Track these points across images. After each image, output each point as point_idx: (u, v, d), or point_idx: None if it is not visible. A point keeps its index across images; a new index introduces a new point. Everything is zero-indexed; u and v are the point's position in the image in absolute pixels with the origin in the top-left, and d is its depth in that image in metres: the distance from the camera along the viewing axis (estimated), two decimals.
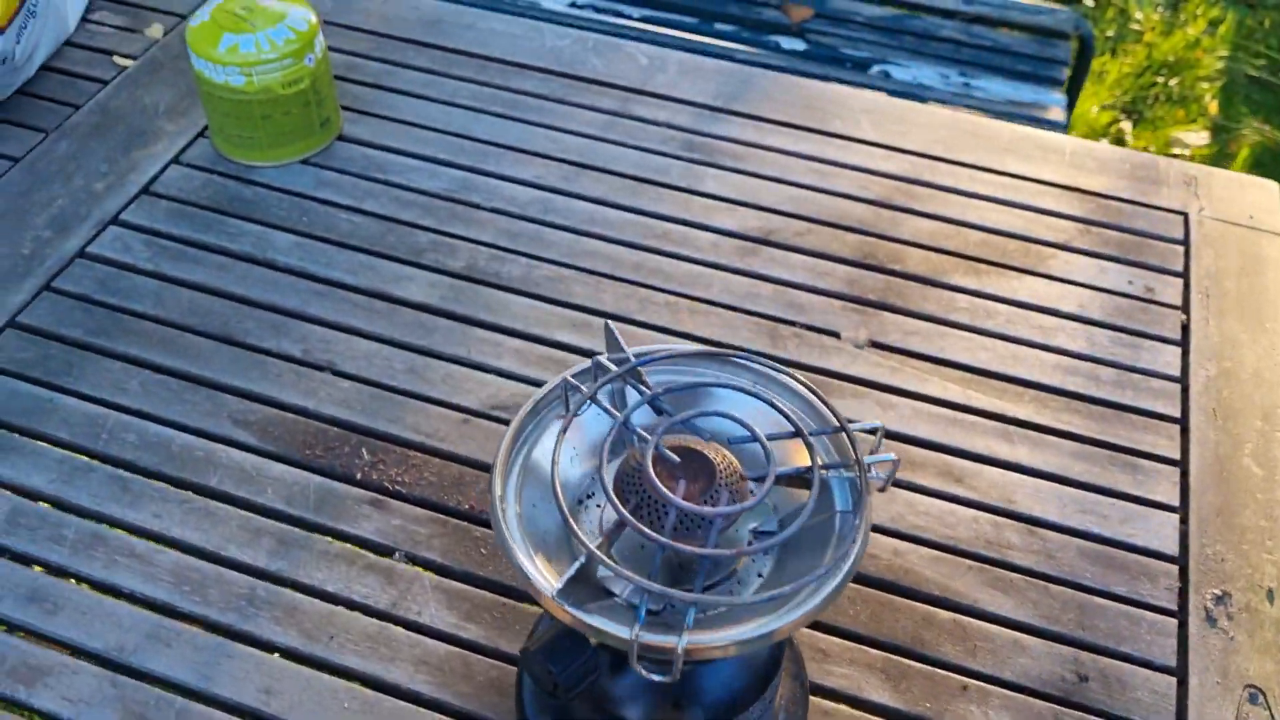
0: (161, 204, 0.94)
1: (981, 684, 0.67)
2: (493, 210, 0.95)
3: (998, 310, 0.89)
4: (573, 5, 1.81)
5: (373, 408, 0.80)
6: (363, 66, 1.08)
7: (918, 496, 0.76)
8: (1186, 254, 0.94)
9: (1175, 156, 1.94)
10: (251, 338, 0.84)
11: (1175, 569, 0.73)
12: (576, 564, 0.43)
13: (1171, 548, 0.74)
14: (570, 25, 1.19)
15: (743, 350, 0.60)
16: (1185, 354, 0.86)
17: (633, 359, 0.50)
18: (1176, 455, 0.79)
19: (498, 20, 1.14)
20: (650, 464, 0.45)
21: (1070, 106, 1.78)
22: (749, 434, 0.47)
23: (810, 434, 0.47)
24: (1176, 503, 0.77)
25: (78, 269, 0.89)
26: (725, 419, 0.48)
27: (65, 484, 0.75)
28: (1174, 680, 0.68)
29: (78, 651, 0.67)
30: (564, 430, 0.46)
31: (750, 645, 0.43)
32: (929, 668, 0.68)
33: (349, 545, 0.72)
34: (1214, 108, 2.21)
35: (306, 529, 0.73)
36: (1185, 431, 0.81)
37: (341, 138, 1.00)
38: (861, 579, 0.72)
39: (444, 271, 0.90)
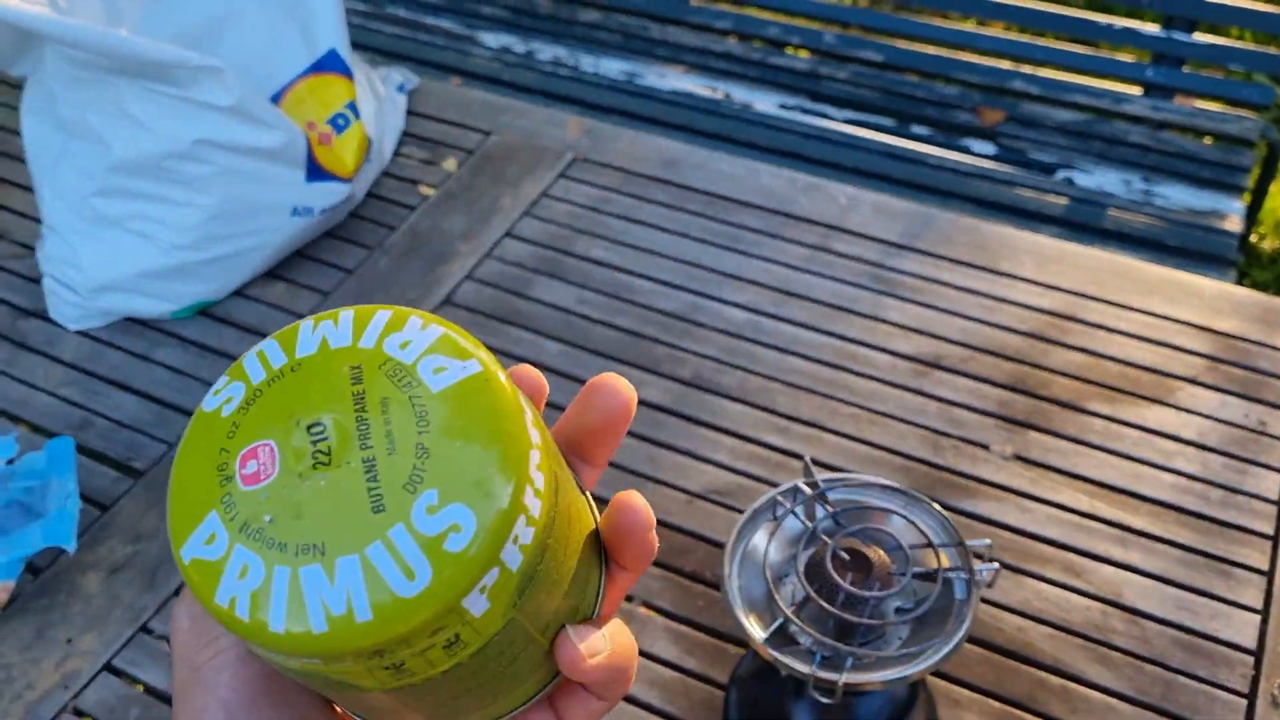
0: (459, 313, 1.23)
1: None
2: (714, 329, 1.20)
3: (1127, 434, 1.08)
4: (782, 107, 2.05)
5: (620, 487, 1.06)
6: (612, 199, 1.35)
7: (1043, 585, 0.96)
8: None
9: None
10: None
11: (1251, 659, 0.91)
12: (778, 622, 0.67)
13: (1250, 642, 0.92)
14: (779, 129, 1.43)
15: (901, 482, 0.82)
16: None
17: (821, 486, 0.73)
18: (1266, 566, 0.97)
19: (724, 161, 1.39)
20: (829, 560, 0.68)
21: (1251, 215, 1.89)
22: (896, 544, 0.69)
23: (939, 545, 0.70)
24: (1260, 606, 0.94)
25: None
26: (883, 532, 0.70)
27: None
28: None
29: None
30: (773, 534, 0.70)
31: (888, 684, 0.65)
32: (1032, 718, 0.88)
33: None
34: None
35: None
36: (1276, 546, 0.98)
37: (594, 261, 1.28)
38: (991, 646, 0.92)
39: (675, 379, 1.15)
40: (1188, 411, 1.10)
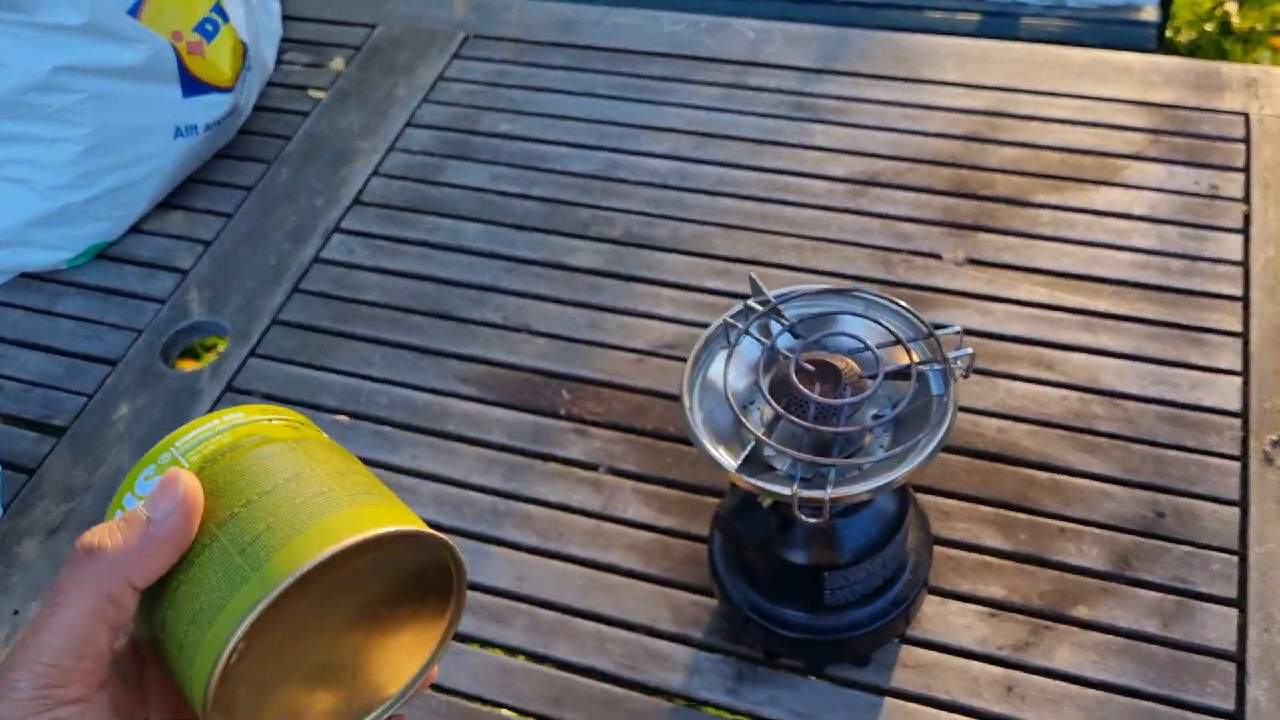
0: (370, 210, 1.16)
1: (1076, 526, 0.84)
2: (638, 183, 1.13)
3: (1077, 220, 1.03)
4: None
5: (565, 357, 1.00)
6: (511, 71, 1.27)
7: (1015, 383, 0.93)
8: (1248, 151, 1.06)
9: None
10: (461, 311, 1.05)
11: (1238, 421, 0.88)
12: (749, 447, 0.62)
13: (1235, 404, 0.89)
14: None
15: (856, 283, 0.77)
16: (1247, 240, 1.00)
17: (773, 300, 0.68)
18: (1239, 328, 0.94)
19: (620, 14, 1.31)
20: (794, 373, 0.63)
21: (1165, 5, 1.84)
22: (863, 345, 0.64)
23: (908, 340, 0.65)
24: (1239, 367, 0.91)
25: (315, 272, 1.11)
26: (846, 337, 0.65)
27: (340, 440, 0.97)
28: (1237, 510, 0.83)
29: None
30: (729, 357, 0.65)
31: (875, 492, 0.61)
32: (1032, 517, 0.85)
33: (563, 465, 0.93)
34: None
35: (528, 456, 0.94)
36: (1246, 307, 0.95)
37: (501, 136, 1.20)
38: (973, 452, 0.88)
39: (606, 240, 1.09)
40: (1136, 188, 1.05)
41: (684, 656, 0.81)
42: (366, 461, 0.97)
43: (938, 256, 1.02)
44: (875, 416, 0.66)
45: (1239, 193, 1.03)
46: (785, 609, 0.75)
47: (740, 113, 1.18)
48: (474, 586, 0.87)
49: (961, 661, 0.78)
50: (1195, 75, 1.14)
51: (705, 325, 0.99)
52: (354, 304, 1.08)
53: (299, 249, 1.13)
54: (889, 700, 0.77)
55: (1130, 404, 0.90)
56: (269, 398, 1.01)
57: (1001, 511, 0.85)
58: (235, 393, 1.01)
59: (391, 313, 1.06)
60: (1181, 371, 0.92)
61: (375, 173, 1.19)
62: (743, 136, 1.16)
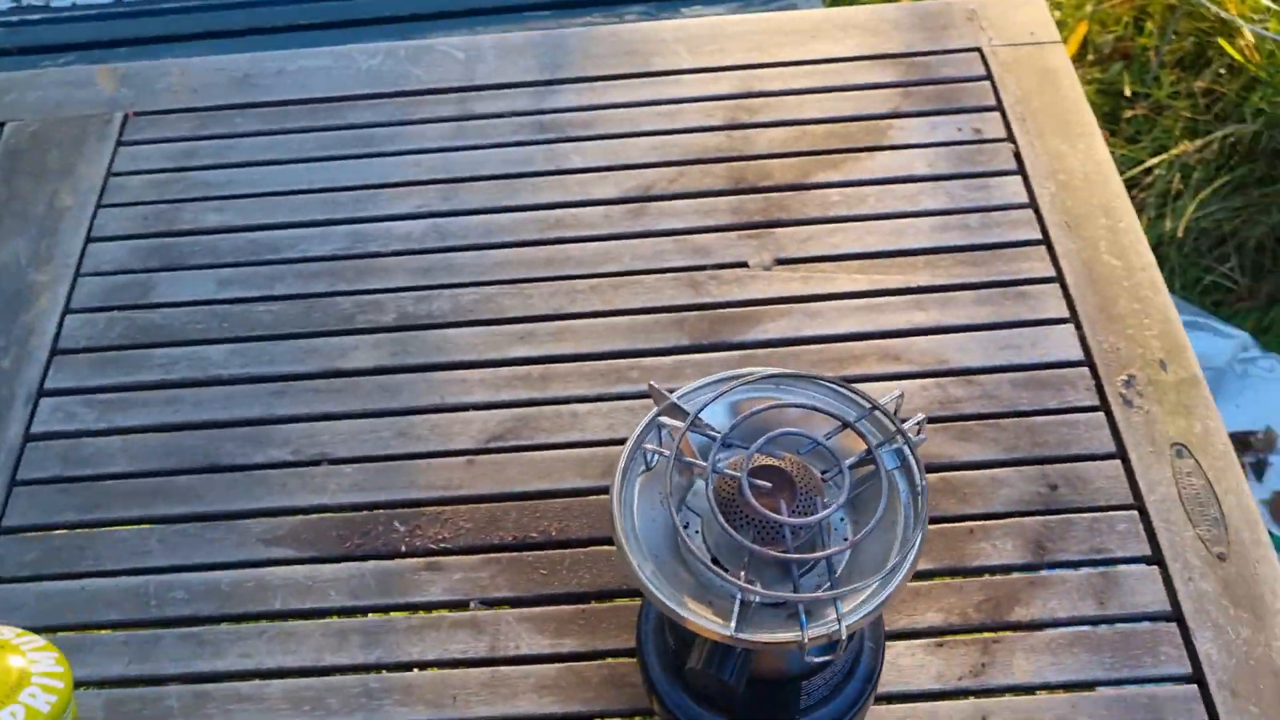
0: (79, 359, 0.95)
1: (981, 523, 0.81)
2: (394, 253, 0.99)
3: (866, 193, 1.00)
4: None
5: (382, 481, 0.86)
6: (197, 149, 1.08)
7: (869, 385, 0.88)
8: (994, 87, 1.07)
9: None
10: (238, 458, 0.88)
11: (1087, 370, 0.88)
12: (737, 606, 0.53)
13: (1077, 354, 0.89)
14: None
15: (759, 369, 0.68)
16: (1026, 179, 1.00)
17: (688, 409, 0.59)
18: (1052, 272, 0.94)
19: (303, 58, 1.15)
20: (750, 496, 0.54)
21: None
22: (812, 441, 0.57)
23: (854, 421, 0.58)
24: (1067, 314, 0.91)
25: (32, 454, 0.89)
26: (789, 436, 0.57)
27: (143, 660, 0.79)
28: (1119, 462, 0.83)
29: None
30: (669, 493, 0.55)
31: (880, 608, 0.54)
32: (938, 526, 0.81)
33: (427, 614, 0.80)
34: None
35: (382, 613, 0.80)
36: (1050, 248, 0.95)
37: (214, 231, 1.02)
38: None
39: (379, 329, 0.94)
40: (907, 148, 1.03)
41: None
42: (181, 678, 0.81)
43: (744, 265, 0.96)
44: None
45: (1001, 132, 1.03)
46: None
47: (479, 147, 1.06)
48: None
49: (929, 705, 0.74)
50: (919, 17, 1.13)
51: (526, 403, 0.89)
52: (99, 482, 0.88)
53: (0, 431, 0.91)
54: None
55: (985, 378, 0.88)
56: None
57: None
58: None
59: (152, 481, 0.87)
60: (1018, 331, 0.90)
61: (68, 310, 0.98)
62: (492, 174, 1.04)
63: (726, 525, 0.54)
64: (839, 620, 0.52)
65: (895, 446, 0.58)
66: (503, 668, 0.77)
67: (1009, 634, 0.76)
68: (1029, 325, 0.91)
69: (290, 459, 0.88)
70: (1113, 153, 1.52)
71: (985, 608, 0.77)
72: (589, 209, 1.01)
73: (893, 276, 0.94)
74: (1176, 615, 0.76)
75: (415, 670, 0.77)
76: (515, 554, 0.82)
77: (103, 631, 0.81)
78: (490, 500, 0.85)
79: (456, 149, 1.06)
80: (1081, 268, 0.93)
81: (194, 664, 0.78)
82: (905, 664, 0.75)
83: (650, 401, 0.62)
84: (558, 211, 1.01)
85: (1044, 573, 0.78)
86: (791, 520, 0.53)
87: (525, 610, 0.79)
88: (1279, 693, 0.72)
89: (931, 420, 0.86)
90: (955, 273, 0.94)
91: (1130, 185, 1.75)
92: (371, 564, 0.82)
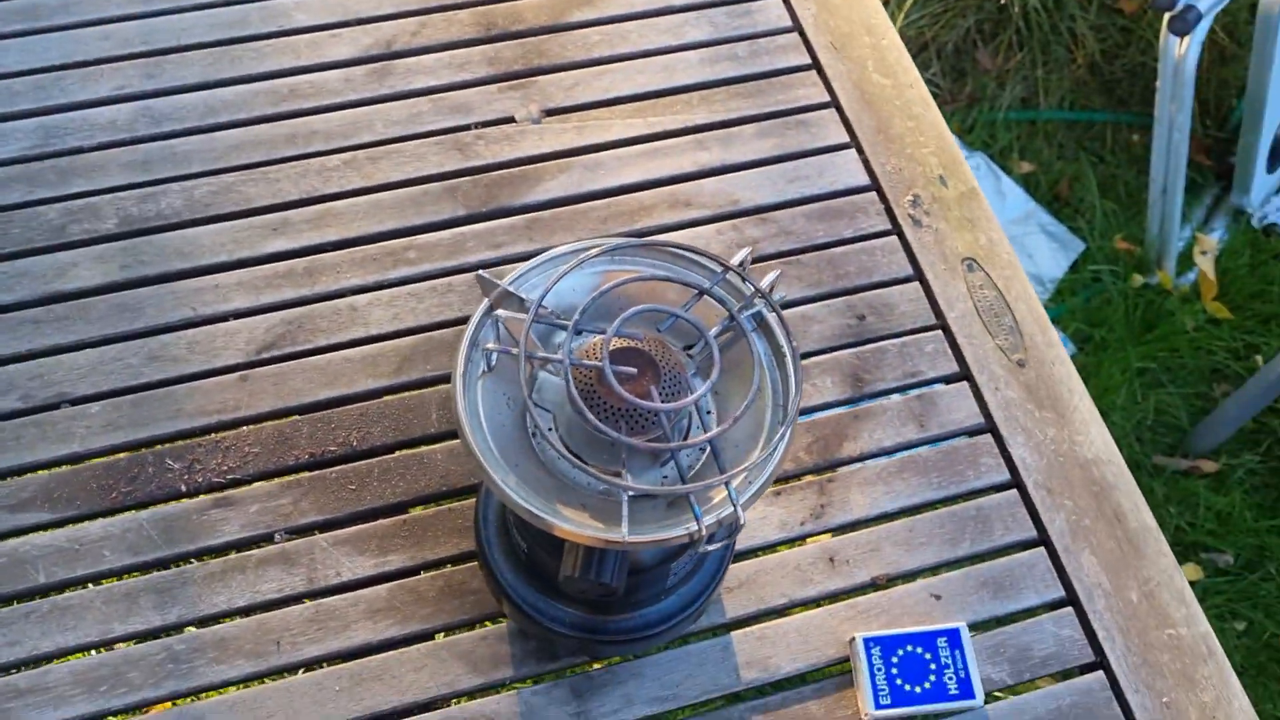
0: None
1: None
2: (97, 147, 0.84)
3: (628, 31, 0.93)
4: None
5: (141, 415, 0.74)
6: None
7: (672, 234, 0.84)
8: None
9: None
10: None
11: (875, 194, 0.87)
12: (626, 506, 0.48)
13: (864, 179, 0.87)
14: None
15: (604, 239, 0.62)
16: (786, 1, 0.96)
17: (523, 296, 0.52)
18: (827, 97, 0.91)
19: None
20: (614, 383, 0.49)
21: None
22: (670, 314, 0.51)
23: (709, 289, 0.53)
24: (848, 139, 0.89)
25: None
26: (646, 313, 0.52)
27: None
28: (917, 283, 0.83)
29: None
30: (530, 393, 0.49)
31: (770, 481, 0.50)
32: None
33: (226, 556, 0.71)
34: None
35: (175, 565, 0.70)
36: (821, 72, 0.92)
37: None
38: None
39: (99, 239, 0.81)
40: None
41: (508, 705, 0.67)
42: None
43: (511, 120, 0.88)
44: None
45: None
46: (614, 614, 0.63)
47: (179, 10, 0.91)
48: None
49: (777, 556, 0.73)
50: None
51: (296, 303, 0.79)
52: None
53: None
54: (736, 634, 0.70)
55: (778, 214, 0.85)
56: None
57: None
58: None
59: None
60: (803, 162, 0.88)
61: None
62: (201, 41, 0.89)
63: (594, 419, 0.49)
64: (735, 505, 0.48)
65: (754, 310, 0.54)
66: (327, 599, 0.70)
67: (841, 470, 0.76)
68: (813, 154, 0.88)
69: (21, 406, 0.74)
70: None
71: (815, 449, 0.76)
72: (325, 73, 0.89)
73: (670, 117, 0.89)
74: (990, 426, 0.78)
75: (226, 621, 0.69)
76: (315, 473, 0.73)
77: None
78: (275, 417, 0.75)
79: (151, 14, 0.90)
80: (854, 89, 0.91)
81: None
82: (750, 517, 0.73)
83: (464, 286, 0.55)
84: (289, 79, 0.88)
85: (865, 404, 0.78)
86: (665, 406, 0.48)
87: (339, 532, 0.72)
88: (1086, 483, 0.76)
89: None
90: (732, 106, 0.90)
91: None
92: (147, 512, 0.71)
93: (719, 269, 0.54)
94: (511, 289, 0.53)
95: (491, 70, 0.90)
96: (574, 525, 0.48)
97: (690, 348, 0.54)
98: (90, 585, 0.69)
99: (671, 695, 0.68)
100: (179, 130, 0.85)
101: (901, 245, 0.85)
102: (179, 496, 0.72)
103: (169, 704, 0.66)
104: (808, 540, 0.73)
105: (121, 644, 0.68)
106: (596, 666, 0.68)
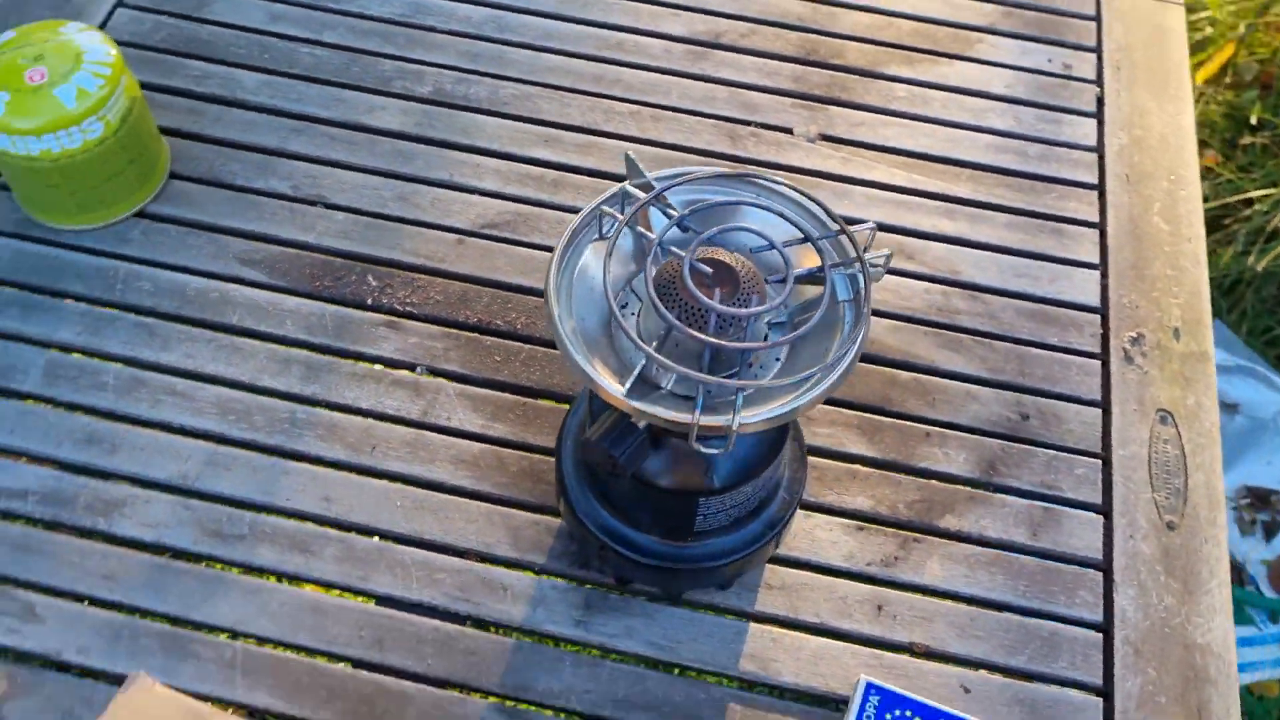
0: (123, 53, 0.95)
1: (941, 430, 0.78)
2: (449, 33, 0.98)
3: (933, 97, 0.96)
4: None
5: (370, 236, 0.85)
6: None
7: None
8: (1098, 29, 1.02)
9: None
10: (239, 179, 0.88)
11: (1098, 318, 0.84)
12: (638, 368, 0.52)
13: (1094, 300, 0.85)
14: None
15: (751, 168, 0.66)
16: (1100, 125, 0.95)
17: (656, 185, 0.57)
18: (1096, 218, 0.90)
19: None
20: (688, 277, 0.52)
21: None
22: (767, 243, 0.54)
23: (817, 238, 0.56)
24: (1097, 261, 0.87)
25: None
26: (744, 232, 0.55)
27: (94, 335, 0.80)
28: (1099, 411, 0.80)
29: (145, 483, 0.74)
30: (609, 254, 0.54)
31: (785, 418, 0.52)
32: (896, 421, 0.79)
33: (373, 365, 0.80)
34: None
35: (331, 354, 0.80)
36: (1103, 196, 0.91)
37: None
38: None
39: (413, 98, 0.93)
40: (991, 64, 0.99)
41: (525, 586, 0.71)
42: (127, 360, 0.81)
43: (789, 131, 0.93)
44: (771, 325, 0.57)
45: (1091, 73, 0.99)
46: (648, 535, 0.66)
47: None
48: (272, 510, 0.73)
49: (829, 580, 0.72)
50: None
51: (534, 203, 0.87)
52: None
53: None
54: (754, 626, 0.70)
55: (992, 298, 0.85)
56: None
57: (866, 415, 0.79)
58: None
59: None
60: (1041, 264, 0.87)
61: (121, 2, 0.98)
62: None
63: (657, 300, 0.52)
64: (735, 412, 0.50)
65: (850, 272, 0.56)
66: (429, 433, 0.77)
67: (931, 538, 0.74)
68: (1054, 261, 0.87)
69: (288, 193, 0.87)
70: (1219, 176, 1.47)
71: (917, 507, 0.75)
72: (652, 40, 0.98)
73: (932, 180, 0.91)
74: (1105, 566, 0.73)
75: (345, 413, 0.77)
76: (476, 335, 0.81)
77: (65, 299, 0.82)
78: (468, 281, 0.84)
79: None
80: (1127, 222, 0.89)
81: (140, 351, 0.79)
82: (821, 536, 0.73)
83: None
84: (620, 34, 0.98)
85: (987, 493, 0.76)
86: (720, 306, 0.51)
87: (467, 388, 0.79)
88: (1183, 665, 0.69)
89: (926, 324, 0.83)
90: (996, 193, 0.90)
91: (1225, 213, 1.68)
92: (334, 307, 0.82)
93: (834, 228, 0.56)
94: (651, 177, 0.57)
95: (793, 87, 0.96)
96: (594, 373, 0.52)
97: (777, 280, 0.56)
98: (264, 341, 0.80)
99: (669, 647, 0.69)
100: (514, 41, 0.97)
101: (1101, 371, 0.82)
102: (363, 307, 0.82)
103: (269, 455, 0.75)
104: (867, 582, 0.72)
105: (263, 396, 0.78)
106: (614, 595, 0.71)
